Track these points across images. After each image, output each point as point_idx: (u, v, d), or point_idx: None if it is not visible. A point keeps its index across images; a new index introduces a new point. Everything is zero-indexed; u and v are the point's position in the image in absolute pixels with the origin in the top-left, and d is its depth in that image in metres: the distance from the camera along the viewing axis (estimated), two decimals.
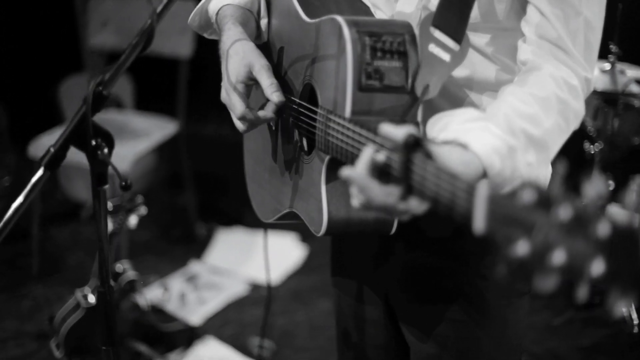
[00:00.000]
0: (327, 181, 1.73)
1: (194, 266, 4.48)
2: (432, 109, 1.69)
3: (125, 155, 4.24)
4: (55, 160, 1.56)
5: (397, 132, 1.37)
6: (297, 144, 1.90)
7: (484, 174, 1.46)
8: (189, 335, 3.85)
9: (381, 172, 1.42)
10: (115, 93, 4.88)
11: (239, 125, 1.89)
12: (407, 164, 1.35)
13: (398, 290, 1.93)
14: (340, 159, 1.64)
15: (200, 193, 4.92)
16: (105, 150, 1.56)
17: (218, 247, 4.65)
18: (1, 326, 3.85)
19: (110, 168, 1.59)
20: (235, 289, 4.26)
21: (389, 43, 1.64)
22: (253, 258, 4.54)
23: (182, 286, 4.27)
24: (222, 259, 4.54)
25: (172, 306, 4.08)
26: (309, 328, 3.95)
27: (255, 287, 4.23)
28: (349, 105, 1.62)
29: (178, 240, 4.76)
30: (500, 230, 1.10)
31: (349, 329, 2.11)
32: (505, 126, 1.52)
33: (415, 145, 1.35)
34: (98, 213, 1.63)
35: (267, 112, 1.84)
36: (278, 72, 1.94)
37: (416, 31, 1.66)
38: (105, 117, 4.67)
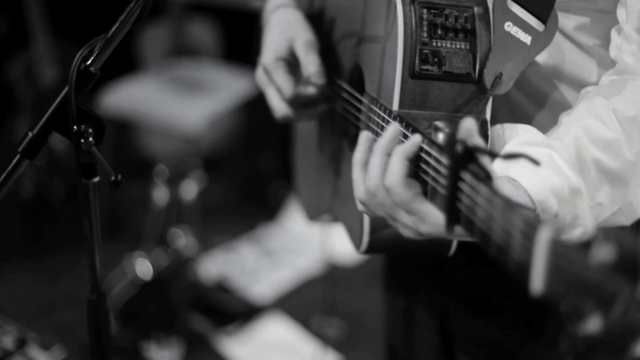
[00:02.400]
0: None
1: (264, 230, 4.25)
2: (508, 105, 1.37)
3: (202, 115, 4.03)
4: (33, 146, 1.33)
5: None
6: (342, 136, 1.61)
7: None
8: (251, 309, 3.63)
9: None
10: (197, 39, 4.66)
11: (281, 109, 1.62)
12: (454, 179, 1.05)
13: (456, 315, 1.65)
14: None
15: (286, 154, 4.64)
16: (91, 138, 1.32)
17: (295, 210, 4.39)
18: (56, 286, 3.73)
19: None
20: (307, 264, 3.99)
21: (453, 18, 1.31)
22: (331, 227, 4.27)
23: (249, 252, 4.06)
24: (297, 223, 4.28)
25: (237, 275, 3.87)
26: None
27: (331, 265, 3.96)
28: (397, 95, 1.31)
29: (250, 202, 4.53)
30: (565, 294, 0.81)
31: (397, 347, 1.85)
32: (572, 157, 1.21)
33: (466, 157, 1.04)
34: (86, 210, 1.39)
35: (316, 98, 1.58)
36: (327, 48, 1.65)
37: (490, 4, 1.33)
38: (183, 72, 4.46)
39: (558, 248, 0.84)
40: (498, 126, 1.30)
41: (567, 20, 1.35)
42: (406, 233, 1.23)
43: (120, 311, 3.21)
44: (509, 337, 1.57)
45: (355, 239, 1.48)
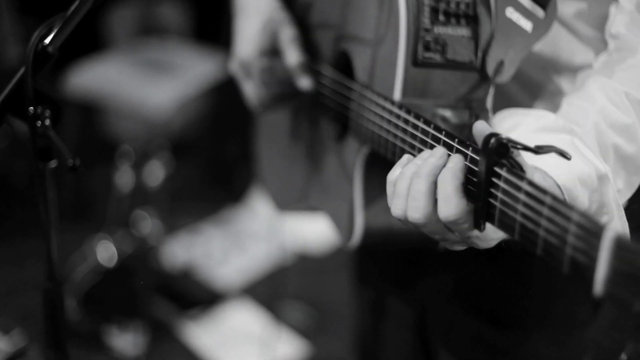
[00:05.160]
0: (365, 180, 1.39)
1: (230, 213, 4.19)
2: (501, 95, 1.33)
3: (169, 98, 3.97)
4: None
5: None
6: (323, 126, 1.57)
7: None
8: (215, 294, 3.59)
9: None
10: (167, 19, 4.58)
11: (259, 102, 1.58)
12: (488, 175, 1.00)
13: (434, 309, 1.60)
14: (384, 154, 1.29)
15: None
16: (48, 120, 1.27)
17: (261, 195, 4.34)
18: (19, 270, 3.63)
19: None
20: (273, 247, 3.93)
21: (455, 3, 1.27)
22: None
23: (215, 234, 4.00)
24: (263, 207, 4.22)
25: (201, 258, 3.82)
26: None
27: (300, 255, 3.91)
28: (400, 84, 1.27)
29: (216, 185, 4.47)
30: (633, 296, 0.79)
31: (367, 345, 1.80)
32: (595, 143, 1.17)
33: (500, 152, 1.00)
34: (42, 195, 1.35)
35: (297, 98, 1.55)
36: (307, 31, 1.60)
37: None
38: (151, 53, 4.38)
39: (625, 247, 0.81)
40: (506, 112, 1.26)
41: (564, 7, 1.32)
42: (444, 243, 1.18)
43: (83, 297, 3.16)
44: (493, 331, 1.53)
45: (345, 234, 1.45)
